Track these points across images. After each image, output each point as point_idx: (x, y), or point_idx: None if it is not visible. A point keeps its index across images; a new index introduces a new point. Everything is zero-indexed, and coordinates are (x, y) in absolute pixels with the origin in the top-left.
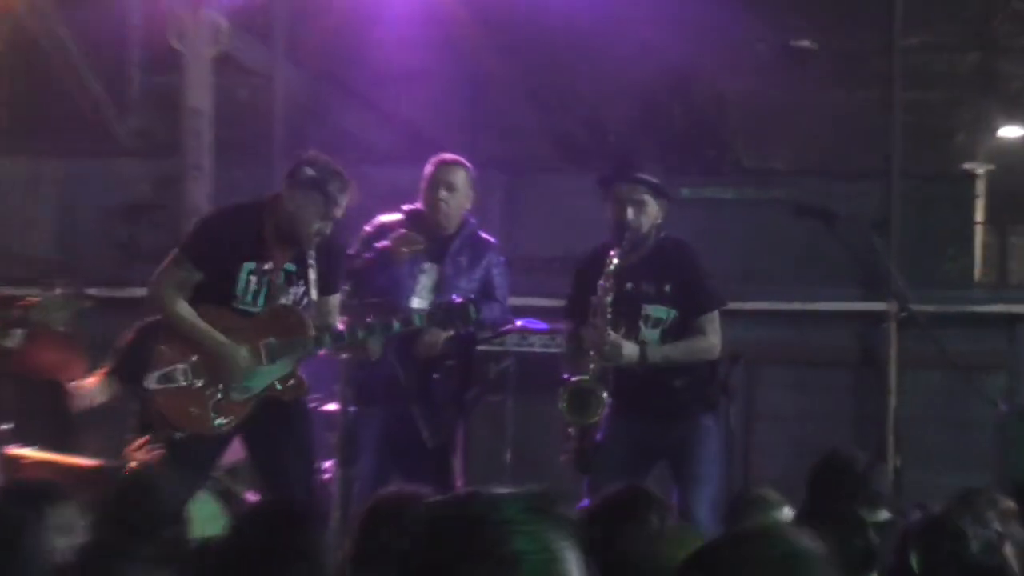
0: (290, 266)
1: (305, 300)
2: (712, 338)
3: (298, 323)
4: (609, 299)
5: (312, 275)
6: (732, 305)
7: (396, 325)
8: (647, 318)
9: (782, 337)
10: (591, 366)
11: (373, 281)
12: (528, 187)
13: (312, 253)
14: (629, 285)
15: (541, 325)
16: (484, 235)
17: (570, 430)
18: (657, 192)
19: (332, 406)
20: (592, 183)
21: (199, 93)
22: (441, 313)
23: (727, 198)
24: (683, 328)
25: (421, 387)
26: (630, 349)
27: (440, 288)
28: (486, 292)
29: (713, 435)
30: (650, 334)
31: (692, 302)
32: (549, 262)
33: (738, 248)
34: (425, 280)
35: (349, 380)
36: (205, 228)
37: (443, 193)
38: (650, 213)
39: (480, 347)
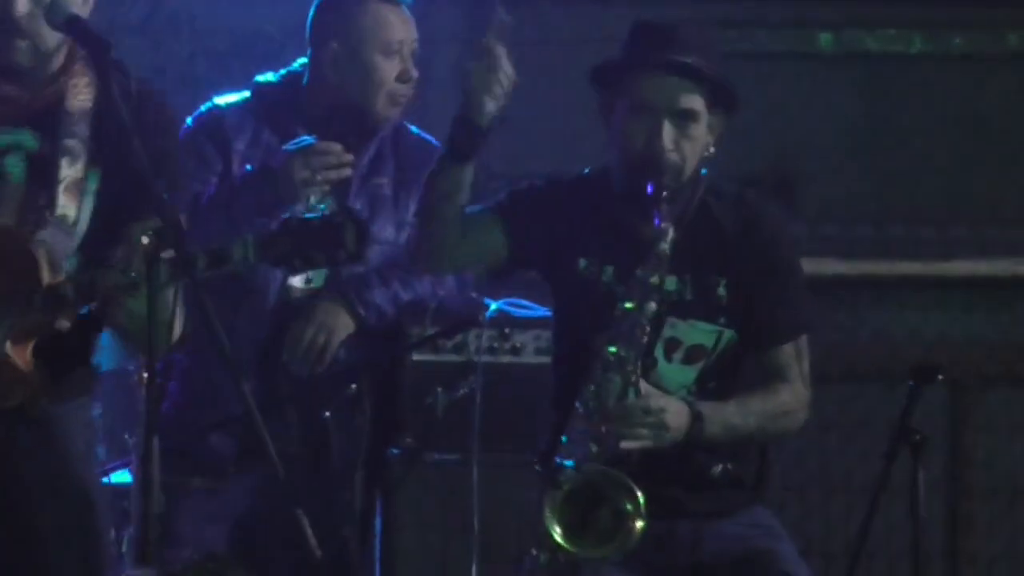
0: (22, 137)
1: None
2: (800, 390)
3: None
4: (650, 309)
5: (72, 158)
6: (922, 269)
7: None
8: (671, 343)
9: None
10: (592, 448)
11: (212, 235)
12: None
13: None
14: (640, 274)
15: (535, 309)
16: (418, 133)
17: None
18: (718, 96)
19: (123, 475)
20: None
21: None
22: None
23: (912, 53)
24: (738, 366)
25: (300, 438)
26: (677, 419)
27: None
28: None
29: (784, 538)
30: (675, 373)
31: (770, 319)
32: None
33: (927, 158)
34: None
35: (154, 424)
36: None
37: (381, 60)
38: (699, 138)
39: (416, 356)
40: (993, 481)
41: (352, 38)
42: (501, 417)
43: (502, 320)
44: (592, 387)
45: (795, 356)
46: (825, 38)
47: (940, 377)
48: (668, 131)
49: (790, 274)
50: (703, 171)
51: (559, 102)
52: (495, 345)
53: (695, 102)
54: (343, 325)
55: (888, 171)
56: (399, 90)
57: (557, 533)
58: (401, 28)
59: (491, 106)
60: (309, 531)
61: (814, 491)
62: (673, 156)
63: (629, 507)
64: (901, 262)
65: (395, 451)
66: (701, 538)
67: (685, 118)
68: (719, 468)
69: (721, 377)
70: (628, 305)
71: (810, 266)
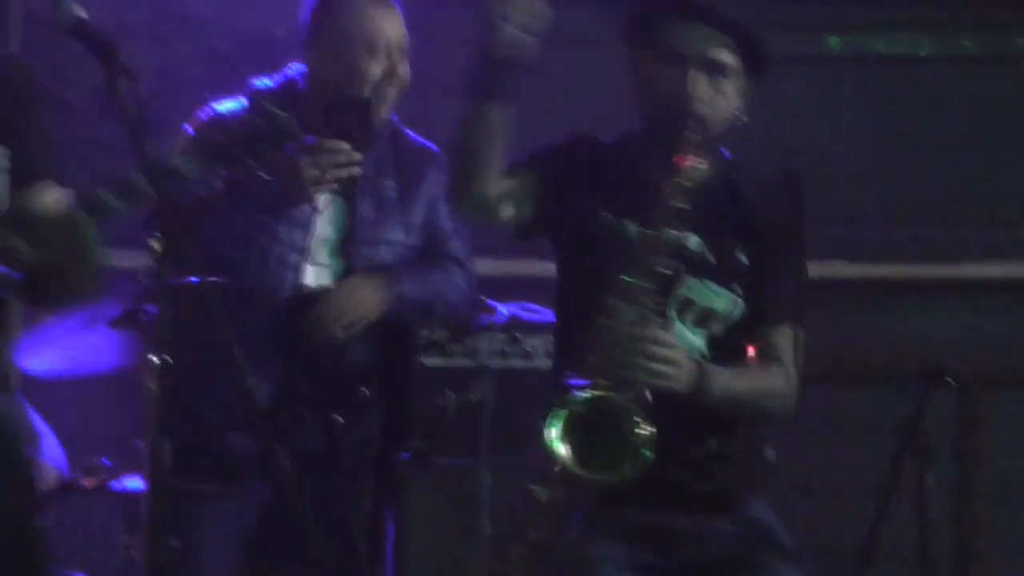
0: None
1: None
2: (792, 376)
3: None
4: (669, 235)
5: None
6: (930, 271)
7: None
8: (684, 304)
9: None
10: (602, 382)
11: (219, 237)
12: None
13: None
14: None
15: (544, 313)
16: (414, 137)
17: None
18: (750, 56)
19: (132, 481)
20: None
21: None
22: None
23: (921, 56)
24: (741, 340)
25: (314, 440)
26: (689, 361)
27: (350, 245)
28: (432, 248)
29: (784, 540)
30: (686, 336)
31: (777, 295)
32: None
33: (936, 160)
34: (323, 228)
35: (165, 428)
36: None
37: (360, 54)
38: (729, 95)
39: (426, 359)
40: (1002, 484)
41: (338, 37)
42: (511, 421)
43: (513, 324)
44: (606, 319)
45: (792, 340)
46: (833, 41)
47: (949, 380)
48: (697, 80)
49: (802, 260)
50: (727, 155)
51: (558, 101)
52: (506, 349)
53: (724, 55)
54: (377, 303)
55: (896, 173)
56: (385, 89)
57: (559, 443)
58: (387, 26)
59: (511, 38)
60: (320, 532)
61: (823, 492)
62: (702, 107)
63: (637, 433)
64: (909, 265)
65: (405, 455)
66: (702, 537)
67: (714, 70)
68: (713, 443)
69: (725, 351)
70: (642, 230)
71: (817, 269)
